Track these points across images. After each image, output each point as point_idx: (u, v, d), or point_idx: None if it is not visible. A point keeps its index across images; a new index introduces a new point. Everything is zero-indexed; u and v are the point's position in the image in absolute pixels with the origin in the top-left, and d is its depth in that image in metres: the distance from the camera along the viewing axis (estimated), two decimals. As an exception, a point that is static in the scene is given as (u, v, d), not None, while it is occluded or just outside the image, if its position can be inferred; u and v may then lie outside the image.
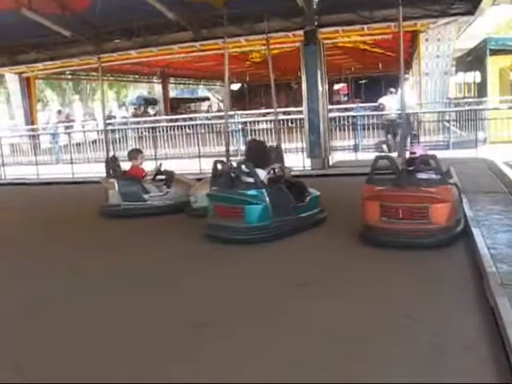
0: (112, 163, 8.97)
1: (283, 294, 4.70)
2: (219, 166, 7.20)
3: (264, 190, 6.43)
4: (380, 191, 5.93)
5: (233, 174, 6.78)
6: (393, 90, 15.59)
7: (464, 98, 21.23)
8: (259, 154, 7.01)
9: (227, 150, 7.48)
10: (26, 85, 20.97)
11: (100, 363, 3.59)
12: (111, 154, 9.76)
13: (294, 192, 6.82)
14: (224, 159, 7.28)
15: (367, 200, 5.96)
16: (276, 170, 7.30)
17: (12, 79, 20.91)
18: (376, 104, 15.93)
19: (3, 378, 3.46)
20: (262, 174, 6.69)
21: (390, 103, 15.02)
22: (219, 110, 34.77)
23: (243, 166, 6.68)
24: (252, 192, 6.43)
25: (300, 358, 3.50)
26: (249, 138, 12.73)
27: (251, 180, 6.54)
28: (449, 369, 3.23)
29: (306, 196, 6.95)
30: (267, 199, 6.40)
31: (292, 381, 3.21)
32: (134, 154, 8.99)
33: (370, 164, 6.20)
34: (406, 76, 27.35)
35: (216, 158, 7.69)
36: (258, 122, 15.83)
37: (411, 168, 6.01)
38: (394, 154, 13.39)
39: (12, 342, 4.02)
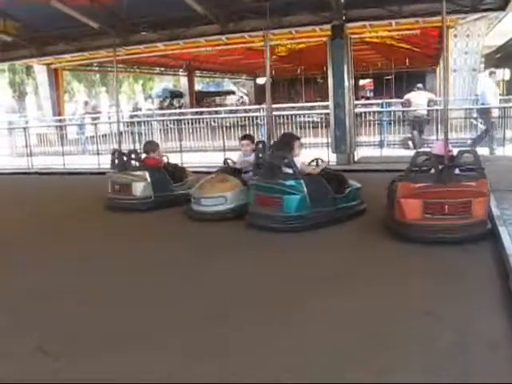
0: (121, 156, 9.00)
1: (305, 288, 4.70)
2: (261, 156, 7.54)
3: (302, 181, 6.65)
4: (423, 188, 5.89)
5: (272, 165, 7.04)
6: (420, 85, 15.44)
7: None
8: (289, 145, 7.18)
9: (268, 141, 7.96)
10: (54, 76, 21.18)
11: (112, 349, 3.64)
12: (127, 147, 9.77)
13: (333, 184, 7.01)
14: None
15: (407, 198, 5.86)
16: (318, 163, 7.46)
17: (40, 70, 21.14)
18: (402, 100, 15.82)
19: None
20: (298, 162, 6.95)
21: (417, 99, 14.89)
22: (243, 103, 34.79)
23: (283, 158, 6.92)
24: (290, 182, 6.67)
25: (320, 351, 3.50)
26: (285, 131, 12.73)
27: (290, 171, 6.77)
28: (471, 367, 3.20)
29: (345, 188, 7.13)
30: (305, 189, 6.61)
31: (314, 374, 3.22)
32: (154, 147, 9.10)
33: (410, 161, 6.17)
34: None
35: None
36: (284, 115, 15.76)
37: (450, 164, 6.07)
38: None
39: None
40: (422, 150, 13.54)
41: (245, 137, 8.60)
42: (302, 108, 18.61)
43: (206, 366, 3.37)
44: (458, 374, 3.13)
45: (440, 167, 6.00)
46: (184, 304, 4.46)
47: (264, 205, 6.84)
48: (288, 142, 7.21)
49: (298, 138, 7.45)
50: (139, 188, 8.39)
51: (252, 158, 7.84)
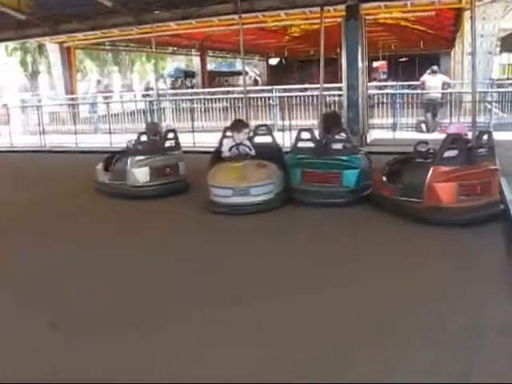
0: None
1: (316, 271, 4.72)
2: (305, 135, 7.43)
3: (360, 156, 7.03)
4: (457, 171, 5.85)
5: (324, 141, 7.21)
6: (435, 68, 15.29)
7: (507, 79, 20.75)
8: (336, 122, 7.66)
9: (319, 120, 8.14)
10: (67, 55, 21.21)
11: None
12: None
13: None
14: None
15: (442, 182, 5.82)
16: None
17: (53, 49, 21.16)
18: (418, 83, 15.70)
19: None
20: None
21: (432, 82, 14.76)
22: (256, 84, 34.60)
23: (342, 133, 7.23)
24: (349, 157, 6.93)
25: (334, 335, 3.53)
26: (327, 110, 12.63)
27: (345, 145, 7.09)
28: (483, 352, 3.20)
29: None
30: (363, 164, 6.98)
31: (328, 351, 3.25)
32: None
33: (440, 145, 6.08)
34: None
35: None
36: (297, 96, 15.69)
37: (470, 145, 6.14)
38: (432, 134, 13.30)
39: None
40: (435, 132, 13.53)
41: (245, 123, 7.88)
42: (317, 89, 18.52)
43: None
44: (467, 360, 3.13)
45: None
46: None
47: (318, 181, 6.93)
48: (337, 121, 7.69)
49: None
50: None
51: (247, 143, 7.44)
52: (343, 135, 7.28)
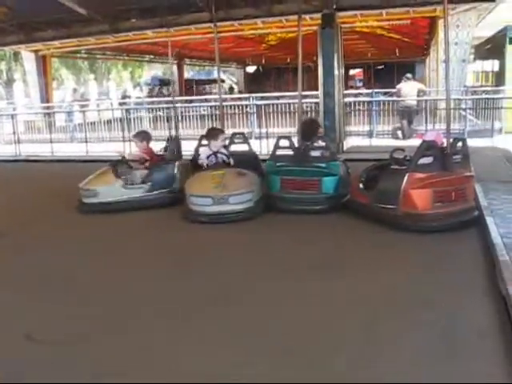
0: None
1: (296, 276, 4.72)
2: (284, 142, 7.47)
3: (339, 163, 7.10)
4: (432, 177, 5.91)
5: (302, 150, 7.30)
6: (409, 75, 15.45)
7: (481, 86, 21.02)
8: (315, 129, 7.72)
9: (298, 127, 8.03)
10: (42, 63, 20.98)
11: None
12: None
13: None
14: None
15: (417, 189, 5.86)
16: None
17: (28, 57, 20.93)
18: (394, 90, 15.84)
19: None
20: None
21: (407, 89, 14.93)
22: (231, 91, 34.63)
23: (320, 141, 7.36)
24: (328, 164, 7.03)
25: (316, 339, 3.53)
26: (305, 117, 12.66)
27: (324, 153, 7.20)
28: (456, 355, 3.24)
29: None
30: (342, 171, 7.07)
31: (306, 359, 3.25)
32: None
33: (415, 152, 6.12)
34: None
35: None
36: (274, 104, 15.72)
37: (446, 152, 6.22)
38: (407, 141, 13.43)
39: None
40: (411, 139, 13.67)
41: (220, 130, 7.87)
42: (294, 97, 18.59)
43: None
44: (446, 360, 3.17)
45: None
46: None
47: (297, 188, 6.98)
48: (315, 128, 7.75)
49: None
50: None
51: (224, 151, 7.49)
52: (322, 143, 7.35)
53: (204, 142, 7.78)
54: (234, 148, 7.92)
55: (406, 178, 5.92)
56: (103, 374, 3.17)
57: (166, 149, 8.31)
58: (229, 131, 8.64)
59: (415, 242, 5.55)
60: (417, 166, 5.99)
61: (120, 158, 7.92)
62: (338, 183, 6.93)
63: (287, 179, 7.07)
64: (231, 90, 37.26)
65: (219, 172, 6.97)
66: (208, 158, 7.33)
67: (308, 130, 7.70)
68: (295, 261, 5.14)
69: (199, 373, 3.16)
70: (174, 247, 5.88)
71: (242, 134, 8.33)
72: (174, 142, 8.32)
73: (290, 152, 7.38)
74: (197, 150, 7.70)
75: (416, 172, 5.95)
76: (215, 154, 7.32)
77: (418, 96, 15.07)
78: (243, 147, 7.97)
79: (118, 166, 7.67)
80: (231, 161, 7.36)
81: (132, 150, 9.15)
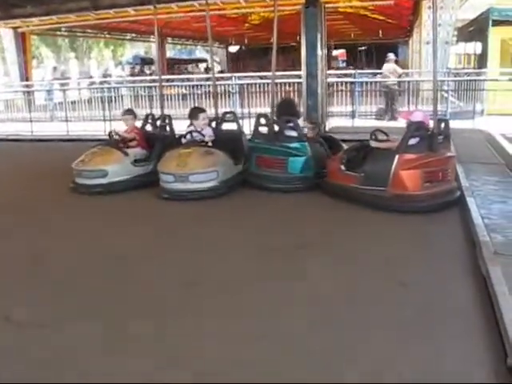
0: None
1: (282, 255, 4.73)
2: (262, 120, 7.49)
3: (306, 144, 7.00)
4: (422, 158, 5.92)
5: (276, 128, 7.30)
6: (390, 55, 15.49)
7: (463, 68, 21.08)
8: (291, 109, 7.72)
9: (272, 107, 7.79)
10: (21, 40, 20.61)
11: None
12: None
13: (329, 147, 7.37)
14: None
15: (408, 170, 5.87)
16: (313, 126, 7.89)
17: (6, 34, 20.53)
18: (380, 71, 15.94)
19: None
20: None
21: (386, 69, 15.11)
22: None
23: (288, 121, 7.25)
24: (295, 145, 7.00)
25: (292, 322, 3.53)
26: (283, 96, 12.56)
27: (294, 134, 7.11)
28: (438, 336, 3.25)
29: (339, 150, 7.26)
30: (309, 152, 6.94)
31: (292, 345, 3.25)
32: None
33: (405, 133, 6.12)
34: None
35: None
36: (256, 84, 15.63)
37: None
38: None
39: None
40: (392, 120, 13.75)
41: (200, 109, 7.82)
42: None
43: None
44: (421, 343, 3.19)
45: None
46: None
47: (267, 166, 7.11)
48: (291, 107, 7.78)
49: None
50: None
51: (209, 131, 7.47)
52: (291, 123, 7.28)
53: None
54: (224, 126, 7.92)
55: (396, 159, 5.91)
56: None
57: (160, 127, 8.26)
58: (211, 111, 8.49)
59: (397, 222, 5.56)
60: (407, 147, 5.99)
61: (114, 136, 7.68)
62: (306, 164, 6.94)
63: (260, 156, 7.25)
64: (207, 70, 37.05)
65: (186, 150, 6.97)
66: (185, 136, 7.33)
67: (283, 109, 7.68)
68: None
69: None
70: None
71: (233, 112, 8.28)
72: (168, 120, 8.28)
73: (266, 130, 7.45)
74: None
75: (406, 153, 5.95)
76: (191, 132, 7.31)
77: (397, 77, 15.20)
78: (233, 126, 7.94)
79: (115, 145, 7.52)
80: (207, 139, 7.28)
81: (112, 128, 8.91)
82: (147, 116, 8.58)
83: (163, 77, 21.21)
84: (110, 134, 7.86)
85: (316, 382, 2.83)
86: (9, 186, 8.19)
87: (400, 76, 15.49)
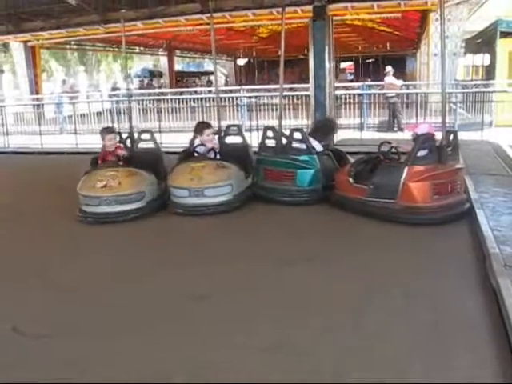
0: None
1: (282, 265, 4.72)
2: (270, 133, 7.53)
3: (315, 156, 7.00)
4: (431, 170, 5.90)
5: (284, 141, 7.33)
6: (388, 68, 15.68)
7: (472, 80, 21.07)
8: (325, 129, 7.75)
9: (280, 119, 7.89)
10: (31, 54, 20.80)
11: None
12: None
13: (337, 160, 7.35)
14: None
15: (417, 182, 5.84)
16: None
17: (17, 48, 20.75)
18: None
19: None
20: (317, 145, 7.25)
21: (387, 83, 15.34)
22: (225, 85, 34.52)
23: (295, 134, 7.23)
24: (304, 157, 7.01)
25: (295, 327, 3.52)
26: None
27: (303, 146, 7.10)
28: (447, 348, 3.23)
29: (346, 164, 7.27)
30: (318, 164, 6.95)
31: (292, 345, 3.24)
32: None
33: (414, 145, 6.07)
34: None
35: None
36: (264, 96, 15.70)
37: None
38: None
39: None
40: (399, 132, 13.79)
41: (206, 125, 7.65)
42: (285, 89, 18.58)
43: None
44: (429, 354, 3.17)
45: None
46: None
47: (275, 179, 7.13)
48: (329, 127, 7.89)
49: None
50: None
51: (213, 144, 7.39)
52: (299, 135, 7.23)
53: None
54: (229, 140, 7.84)
55: (405, 171, 5.90)
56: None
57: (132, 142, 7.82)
58: (221, 124, 8.48)
59: (406, 234, 5.54)
60: (415, 159, 5.97)
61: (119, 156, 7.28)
62: (314, 177, 6.95)
63: (268, 169, 7.27)
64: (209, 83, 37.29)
65: (199, 164, 6.89)
66: (194, 149, 7.28)
67: (321, 129, 7.70)
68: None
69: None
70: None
71: (237, 125, 8.26)
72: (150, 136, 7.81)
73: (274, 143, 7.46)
74: (191, 143, 7.60)
75: (415, 165, 5.94)
76: (199, 146, 7.28)
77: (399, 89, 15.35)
78: (238, 139, 7.87)
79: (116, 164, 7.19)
80: (211, 154, 7.21)
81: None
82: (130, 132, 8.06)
83: (169, 90, 21.33)
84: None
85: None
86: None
87: (401, 88, 15.59)
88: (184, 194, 6.65)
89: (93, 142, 13.47)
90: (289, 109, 15.29)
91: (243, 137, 7.91)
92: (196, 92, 19.86)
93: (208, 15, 12.67)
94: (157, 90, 25.50)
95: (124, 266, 4.93)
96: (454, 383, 2.88)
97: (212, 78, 39.07)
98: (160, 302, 4.09)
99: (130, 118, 9.05)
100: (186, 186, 6.62)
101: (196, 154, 7.23)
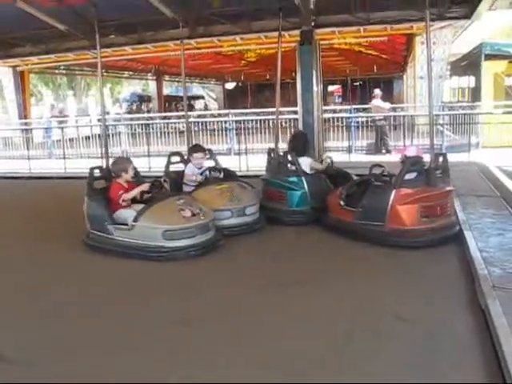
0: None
1: (275, 287, 4.73)
2: (272, 155, 7.90)
3: (303, 178, 7.13)
4: (419, 193, 5.91)
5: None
6: (375, 91, 15.80)
7: (458, 102, 21.31)
8: (302, 143, 7.81)
9: (276, 141, 8.25)
10: (20, 78, 20.83)
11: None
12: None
13: (339, 180, 7.29)
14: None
15: (405, 204, 5.86)
16: (326, 161, 7.84)
17: (6, 73, 20.76)
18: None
19: None
20: (307, 160, 7.44)
21: (373, 105, 15.45)
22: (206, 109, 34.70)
23: (289, 156, 7.41)
24: (293, 179, 7.21)
25: (291, 356, 3.50)
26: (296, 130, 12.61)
27: (293, 168, 7.32)
28: (440, 370, 3.23)
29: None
30: (306, 186, 7.11)
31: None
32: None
33: (401, 168, 6.11)
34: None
35: None
36: (253, 120, 15.76)
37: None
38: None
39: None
40: (386, 154, 13.86)
41: (199, 148, 7.68)
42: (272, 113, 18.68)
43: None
44: (422, 376, 3.17)
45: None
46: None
47: (272, 199, 7.45)
48: (303, 141, 7.86)
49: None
50: None
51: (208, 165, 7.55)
52: (289, 157, 7.40)
53: (176, 159, 7.97)
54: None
55: (393, 194, 5.91)
56: None
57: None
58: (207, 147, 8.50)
59: (395, 257, 5.55)
60: (403, 182, 5.99)
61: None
62: (300, 198, 7.11)
63: (269, 190, 7.57)
64: (206, 106, 37.54)
65: (224, 186, 6.95)
66: (202, 173, 7.31)
67: (295, 145, 7.77)
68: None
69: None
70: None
71: (210, 150, 8.02)
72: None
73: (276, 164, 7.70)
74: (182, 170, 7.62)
75: (403, 188, 5.95)
76: (209, 169, 7.37)
77: (387, 112, 15.45)
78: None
79: None
80: (221, 175, 7.33)
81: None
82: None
83: (158, 114, 21.35)
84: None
85: None
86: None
87: (389, 110, 15.71)
88: (226, 215, 6.68)
89: (81, 166, 13.54)
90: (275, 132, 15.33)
91: (216, 161, 7.87)
92: (184, 116, 19.91)
93: (199, 40, 12.81)
94: (146, 115, 25.55)
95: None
96: (453, 383, 2.88)
97: (202, 102, 39.51)
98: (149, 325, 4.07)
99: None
100: (228, 206, 6.69)
101: (205, 179, 7.24)
